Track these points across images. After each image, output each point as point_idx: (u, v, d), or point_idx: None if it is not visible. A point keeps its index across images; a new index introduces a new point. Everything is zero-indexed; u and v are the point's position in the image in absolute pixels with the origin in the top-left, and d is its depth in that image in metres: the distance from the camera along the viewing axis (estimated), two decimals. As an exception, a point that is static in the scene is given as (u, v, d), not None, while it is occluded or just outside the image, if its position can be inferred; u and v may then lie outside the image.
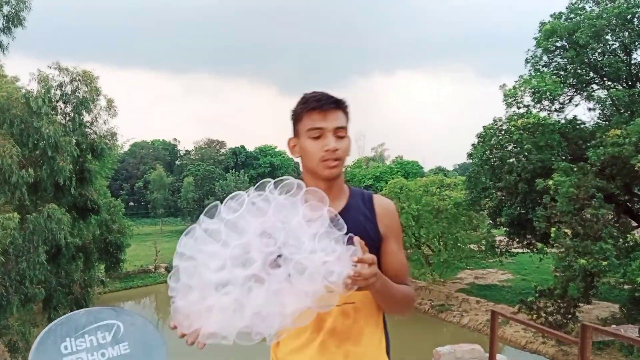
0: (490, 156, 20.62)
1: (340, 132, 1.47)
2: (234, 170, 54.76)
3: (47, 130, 13.42)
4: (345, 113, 1.50)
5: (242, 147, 60.82)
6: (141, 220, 55.99)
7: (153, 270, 33.70)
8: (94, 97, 17.61)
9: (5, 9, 12.46)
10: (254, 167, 58.04)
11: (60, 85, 16.90)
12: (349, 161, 45.64)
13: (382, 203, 1.57)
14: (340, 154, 1.47)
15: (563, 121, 20.08)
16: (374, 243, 1.48)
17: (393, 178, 29.74)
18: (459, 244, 24.96)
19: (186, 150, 68.90)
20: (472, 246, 25.35)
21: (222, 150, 65.83)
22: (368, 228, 1.50)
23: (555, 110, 20.23)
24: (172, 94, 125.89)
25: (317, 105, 1.45)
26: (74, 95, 17.13)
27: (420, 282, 26.22)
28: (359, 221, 1.50)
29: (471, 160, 22.32)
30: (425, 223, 25.03)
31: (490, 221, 23.44)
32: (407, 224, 24.67)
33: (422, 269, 25.30)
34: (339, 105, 1.48)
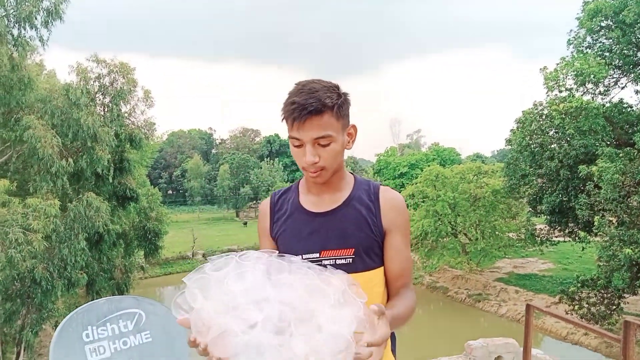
0: (530, 142, 19.97)
1: (321, 141, 1.34)
2: (268, 159, 55.13)
3: (86, 121, 13.80)
4: (335, 113, 1.34)
5: (277, 135, 61.13)
6: (179, 208, 57.35)
7: (191, 256, 34.51)
8: (131, 88, 18.03)
9: (45, 3, 12.77)
10: (288, 156, 58.13)
11: (99, 77, 17.37)
12: (382, 149, 45.07)
13: (388, 196, 1.46)
14: (321, 164, 1.36)
15: (608, 105, 19.18)
16: (376, 237, 1.41)
17: (429, 165, 29.23)
18: (497, 233, 24.39)
19: (222, 139, 69.92)
20: (510, 235, 24.74)
21: (257, 139, 66.44)
22: (370, 221, 1.42)
23: (600, 93, 19.32)
24: (207, 82, 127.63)
25: (295, 117, 1.32)
26: (112, 87, 17.58)
27: (456, 271, 25.82)
28: (360, 214, 1.42)
29: (510, 147, 21.70)
30: (461, 211, 24.54)
31: (530, 209, 22.78)
32: (443, 212, 24.25)
33: (459, 258, 24.87)
34: (321, 111, 1.31)
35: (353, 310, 1.15)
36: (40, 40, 12.78)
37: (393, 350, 1.50)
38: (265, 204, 1.56)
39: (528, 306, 4.27)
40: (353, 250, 1.39)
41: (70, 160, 13.21)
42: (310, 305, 1.15)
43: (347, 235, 1.40)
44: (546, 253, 24.77)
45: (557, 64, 18.66)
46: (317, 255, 1.40)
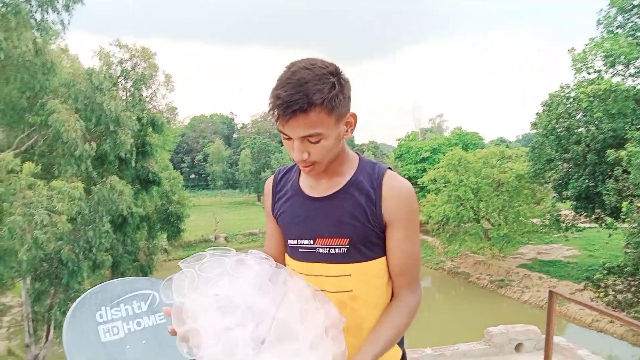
0: (557, 126, 19.47)
1: (310, 139, 1.22)
2: (289, 143, 55.14)
3: (109, 106, 13.96)
4: (326, 108, 1.19)
5: (298, 119, 60.97)
6: (201, 192, 58.04)
7: (213, 239, 34.99)
8: (152, 73, 18.16)
9: (67, -13, 12.85)
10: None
11: (121, 62, 17.54)
12: (403, 134, 44.58)
13: (392, 183, 1.29)
14: (312, 159, 1.25)
15: (639, 87, 18.51)
16: (373, 227, 1.28)
17: (451, 150, 28.80)
18: (520, 218, 23.99)
19: (243, 124, 70.23)
20: (535, 220, 24.32)
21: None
22: (368, 210, 1.28)
23: (630, 75, 18.61)
24: (227, 66, 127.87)
25: (279, 113, 1.19)
26: (134, 71, 17.73)
27: (478, 257, 25.56)
28: (357, 202, 1.29)
29: (535, 131, 21.22)
30: (484, 196, 24.18)
31: (556, 194, 22.32)
32: (466, 196, 23.94)
33: (481, 243, 24.59)
34: (307, 109, 1.17)
35: (333, 350, 1.14)
36: (61, 24, 12.90)
37: (401, 344, 1.40)
38: (268, 183, 1.49)
39: (551, 293, 4.16)
40: (348, 240, 1.29)
41: (94, 144, 13.41)
42: (296, 328, 1.14)
43: (342, 224, 1.29)
44: (571, 239, 24.32)
45: (586, 45, 18.05)
46: (312, 242, 1.33)
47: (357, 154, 1.40)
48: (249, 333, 1.13)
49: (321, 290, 1.27)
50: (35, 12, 12.44)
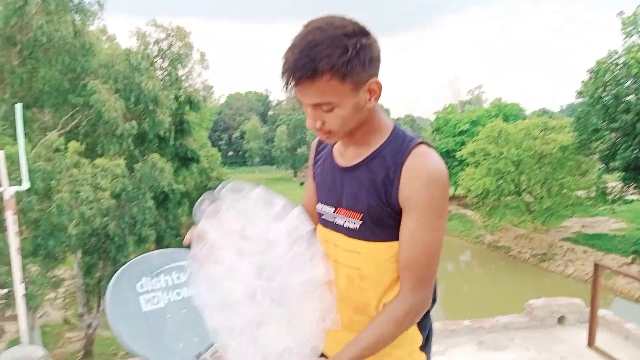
0: (604, 94, 18.60)
1: (322, 107, 1.11)
2: (324, 119, 55.09)
3: (147, 85, 14.24)
4: (338, 74, 1.06)
5: (333, 94, 60.68)
6: (239, 168, 58.96)
7: (251, 216, 35.64)
8: (188, 51, 18.37)
9: (103, -32, 13.06)
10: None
11: (157, 42, 17.80)
12: (440, 106, 43.57)
13: (414, 164, 1.14)
14: (327, 128, 1.15)
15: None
16: (386, 209, 1.16)
17: (491, 122, 27.99)
18: (564, 191, 23.25)
19: (278, 101, 70.36)
20: (579, 193, 23.52)
21: (314, 99, 66.28)
22: (383, 189, 1.16)
23: (687, 37, 17.49)
24: (260, 44, 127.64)
25: (285, 79, 1.09)
26: (170, 51, 17.98)
27: (519, 230, 25.03)
28: (375, 178, 1.17)
29: (581, 99, 20.36)
30: (526, 168, 23.50)
31: (602, 165, 21.45)
32: (506, 169, 23.35)
33: (522, 217, 24.04)
34: (313, 76, 1.06)
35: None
36: (98, 5, 13.15)
37: (423, 326, 1.28)
38: (313, 143, 1.43)
39: (596, 265, 4.01)
40: (361, 215, 1.20)
41: (134, 122, 13.76)
42: (293, 304, 1.14)
43: (358, 198, 1.20)
44: (618, 212, 23.46)
45: (638, 7, 16.99)
46: (333, 210, 1.27)
47: (395, 124, 1.24)
48: (255, 264, 1.13)
49: (335, 261, 1.25)
50: (73, -6, 12.71)
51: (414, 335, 1.27)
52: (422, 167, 1.13)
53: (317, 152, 1.40)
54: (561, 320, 4.63)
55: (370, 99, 1.15)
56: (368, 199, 1.18)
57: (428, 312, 1.27)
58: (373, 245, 1.20)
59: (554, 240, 23.35)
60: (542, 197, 23.39)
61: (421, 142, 1.18)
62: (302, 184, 47.86)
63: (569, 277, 20.53)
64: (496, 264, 24.56)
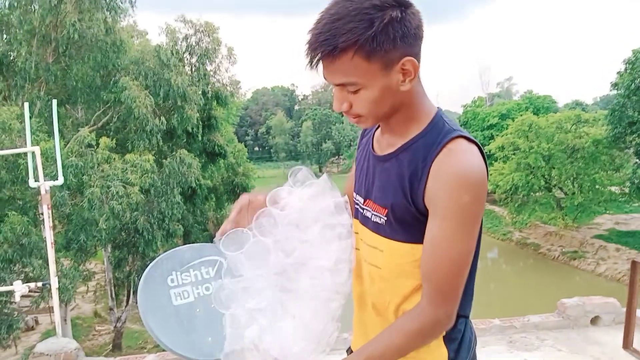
0: (641, 85, 17.96)
1: (347, 87, 1.02)
2: (350, 113, 55.02)
3: (176, 81, 14.44)
4: (361, 51, 0.96)
5: (358, 89, 60.52)
6: (265, 164, 59.34)
7: (277, 210, 35.86)
8: (216, 47, 18.52)
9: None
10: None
11: (186, 38, 18.00)
12: (468, 99, 42.82)
13: (445, 160, 1.01)
14: (355, 112, 1.05)
15: None
16: (411, 208, 1.04)
17: (521, 115, 27.39)
18: (597, 186, 22.60)
19: (304, 95, 70.49)
20: (613, 188, 22.82)
21: (339, 94, 66.22)
22: (409, 186, 1.04)
23: None
24: (287, 38, 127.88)
25: (309, 57, 1.00)
26: (198, 46, 18.16)
27: (549, 227, 24.48)
28: (403, 173, 1.06)
29: (616, 91, 19.72)
30: (557, 163, 22.93)
31: (638, 160, 20.76)
32: (536, 164, 22.83)
33: (552, 213, 23.49)
34: (332, 53, 0.97)
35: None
36: (130, 3, 13.37)
37: (458, 351, 1.13)
38: (360, 137, 1.34)
39: (634, 262, 3.87)
40: (386, 211, 1.09)
41: (163, 119, 13.98)
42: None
43: (385, 192, 1.10)
44: (655, 208, 22.70)
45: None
46: (363, 201, 1.18)
47: (437, 112, 1.11)
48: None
49: (360, 255, 1.21)
50: (105, -8, 12.97)
51: (437, 351, 1.12)
52: (453, 164, 0.99)
53: (362, 137, 1.30)
54: (595, 320, 4.51)
55: (404, 81, 1.02)
56: (394, 195, 1.08)
57: (457, 324, 1.13)
58: (395, 245, 1.09)
59: (585, 237, 22.75)
60: (573, 193, 22.80)
61: (460, 136, 1.03)
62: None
63: (600, 275, 19.99)
64: (525, 262, 24.09)
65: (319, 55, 0.98)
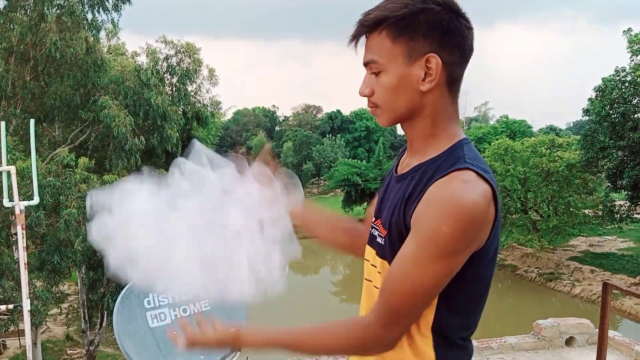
0: (611, 111, 18.59)
1: (372, 67, 1.01)
2: (330, 135, 55.22)
3: (156, 101, 14.41)
4: (388, 30, 0.97)
5: (338, 111, 60.82)
6: (245, 184, 58.99)
7: (257, 231, 35.60)
8: (197, 67, 18.58)
9: (115, -13, 13.33)
10: (350, 132, 57.98)
11: (167, 58, 18.04)
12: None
13: (441, 185, 0.94)
14: (374, 100, 1.04)
15: None
16: (402, 230, 1.00)
17: (497, 139, 28.00)
18: (571, 209, 23.07)
19: (285, 117, 70.75)
20: (586, 211, 23.34)
21: (319, 116, 66.58)
22: (404, 207, 1.00)
23: (694, 56, 17.54)
24: (267, 61, 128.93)
25: (352, 33, 1.03)
26: (179, 67, 18.20)
27: (526, 249, 24.82)
28: (405, 194, 1.02)
29: (587, 117, 20.34)
30: (532, 186, 23.39)
31: (609, 184, 21.33)
32: (513, 187, 23.24)
33: (529, 235, 23.85)
34: (364, 26, 1.00)
35: None
36: (112, 24, 13.39)
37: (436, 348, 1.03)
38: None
39: (605, 284, 3.98)
40: (386, 232, 1.05)
41: (142, 138, 13.89)
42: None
43: (389, 213, 1.06)
44: (626, 231, 23.26)
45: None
46: (374, 219, 1.14)
47: (462, 140, 1.04)
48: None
49: (364, 276, 1.18)
50: (87, 12, 12.97)
51: None
52: (446, 190, 0.93)
53: (394, 164, 1.25)
54: (570, 341, 4.59)
55: (424, 79, 0.98)
56: (394, 215, 1.03)
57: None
58: (387, 266, 1.05)
59: (561, 259, 23.12)
60: (549, 216, 23.23)
61: (470, 168, 0.95)
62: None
63: (575, 297, 20.28)
64: (502, 283, 24.31)
65: (357, 27, 1.01)
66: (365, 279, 1.16)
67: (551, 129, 46.57)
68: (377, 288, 1.06)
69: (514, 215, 24.71)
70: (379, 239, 1.09)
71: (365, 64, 1.03)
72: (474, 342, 4.49)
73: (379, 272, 1.08)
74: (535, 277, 22.89)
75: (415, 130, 1.06)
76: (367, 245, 1.17)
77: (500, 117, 45.21)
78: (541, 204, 24.04)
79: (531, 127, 40.12)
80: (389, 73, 0.99)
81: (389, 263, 1.03)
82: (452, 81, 1.01)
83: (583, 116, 21.18)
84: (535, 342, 4.48)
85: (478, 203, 0.92)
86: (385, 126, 1.11)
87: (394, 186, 1.10)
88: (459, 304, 1.01)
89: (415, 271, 0.94)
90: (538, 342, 4.48)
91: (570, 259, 23.07)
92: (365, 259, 1.16)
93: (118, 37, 16.22)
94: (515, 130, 36.36)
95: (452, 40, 0.98)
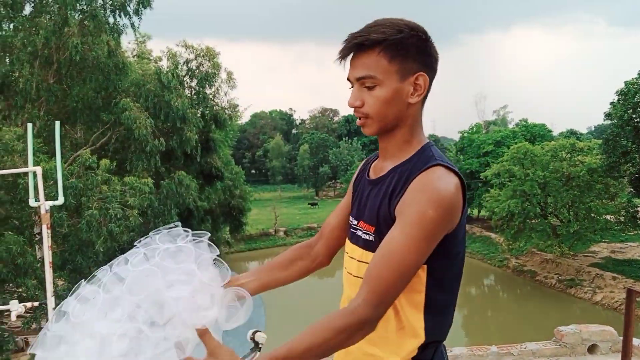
0: (634, 115, 18.25)
1: (365, 82, 1.14)
2: (347, 138, 55.21)
3: (176, 104, 14.59)
4: (386, 50, 1.11)
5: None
6: (262, 187, 59.32)
7: (273, 233, 35.69)
8: (216, 71, 18.78)
9: (137, -8, 13.55)
10: (366, 135, 58.10)
11: (187, 62, 18.26)
12: (466, 126, 43.23)
13: (422, 178, 1.10)
14: (365, 110, 1.16)
15: None
16: (391, 224, 1.11)
17: (516, 143, 27.63)
18: (592, 215, 22.66)
19: (301, 120, 70.99)
20: (608, 217, 22.90)
21: (336, 119, 66.69)
22: (391, 202, 1.14)
23: None
24: (283, 64, 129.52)
25: (340, 52, 1.15)
26: (199, 70, 18.41)
27: (546, 255, 24.45)
28: (387, 191, 1.16)
29: (609, 121, 19.96)
30: (553, 191, 23.03)
31: (632, 189, 20.91)
32: (532, 191, 22.92)
33: (549, 241, 23.47)
34: (363, 45, 1.12)
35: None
36: (132, 28, 13.61)
37: (425, 346, 1.16)
38: (361, 164, 1.43)
39: (630, 291, 3.90)
40: (374, 228, 1.18)
41: (162, 140, 14.07)
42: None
43: (374, 211, 1.19)
44: (650, 237, 22.74)
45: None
46: (356, 222, 1.27)
47: (429, 143, 1.22)
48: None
49: (349, 273, 1.25)
50: (109, 16, 13.20)
51: None
52: (427, 181, 1.09)
53: (360, 172, 1.40)
54: (592, 348, 4.51)
55: (413, 94, 1.15)
56: (379, 212, 1.17)
57: (426, 350, 1.17)
58: None
59: (581, 265, 22.70)
60: (569, 221, 22.84)
61: (441, 164, 1.13)
62: (312, 204, 46.91)
63: (597, 304, 19.88)
64: (521, 289, 23.98)
65: (352, 45, 1.13)
66: (351, 274, 1.26)
67: (572, 133, 45.83)
68: (361, 278, 1.15)
69: (534, 220, 24.37)
70: (365, 236, 1.21)
71: (359, 79, 1.15)
72: (494, 348, 4.44)
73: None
74: (555, 284, 22.52)
75: (393, 139, 1.21)
76: (351, 244, 1.28)
77: (520, 120, 44.62)
78: (561, 209, 23.66)
79: (551, 131, 39.49)
80: (384, 87, 1.14)
81: None
82: (427, 94, 1.19)
83: (605, 120, 20.80)
84: (556, 349, 4.41)
85: (453, 192, 1.09)
86: (370, 135, 1.23)
87: (371, 188, 1.25)
88: (444, 277, 1.16)
89: (403, 252, 1.06)
90: (559, 349, 4.41)
91: (591, 265, 22.64)
92: (350, 257, 1.27)
93: (144, 43, 16.51)
94: (535, 134, 35.84)
95: (432, 62, 1.18)
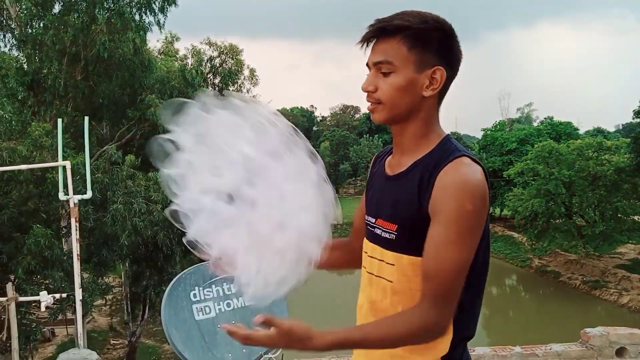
0: (665, 114, 17.72)
1: (382, 68, 1.13)
2: (367, 135, 55.00)
3: (199, 100, 14.77)
4: (407, 39, 1.11)
5: (377, 112, 60.80)
6: (283, 183, 59.59)
7: (293, 230, 35.86)
8: (239, 68, 18.93)
9: (162, -10, 13.74)
10: (388, 132, 57.56)
11: (210, 59, 18.45)
12: (489, 124, 42.57)
13: (449, 171, 1.08)
14: (377, 96, 1.15)
15: None
16: (419, 220, 1.11)
17: (541, 141, 27.13)
18: (619, 215, 22.13)
19: (322, 117, 70.99)
20: (636, 218, 22.34)
21: (357, 116, 66.50)
22: (417, 199, 1.12)
23: None
24: (304, 62, 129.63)
25: (364, 34, 1.15)
26: (222, 67, 18.57)
27: (570, 255, 23.99)
28: (413, 187, 1.13)
29: (638, 119, 19.46)
30: (578, 190, 22.57)
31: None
32: (557, 191, 22.51)
33: (573, 241, 23.03)
34: (385, 31, 1.12)
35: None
36: (158, 25, 13.80)
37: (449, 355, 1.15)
38: (373, 158, 1.43)
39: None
40: (396, 226, 1.16)
41: (186, 136, 14.25)
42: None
43: (395, 208, 1.17)
44: (679, 239, 22.11)
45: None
46: (374, 220, 1.25)
47: (447, 136, 1.20)
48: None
49: (370, 272, 1.25)
50: (135, 14, 13.42)
51: None
52: (456, 175, 1.07)
53: (374, 166, 1.38)
54: (621, 352, 4.40)
55: (428, 87, 1.14)
56: (403, 209, 1.15)
57: (458, 346, 1.17)
58: (406, 259, 1.14)
59: (607, 267, 22.22)
60: (595, 221, 22.35)
61: (465, 155, 1.12)
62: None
63: (623, 306, 19.45)
64: (544, 290, 23.59)
65: (376, 29, 1.13)
66: (370, 273, 1.25)
67: (598, 132, 44.78)
68: (390, 281, 1.17)
69: (558, 220, 23.93)
70: (385, 235, 1.19)
71: (376, 63, 1.14)
72: (518, 348, 4.38)
73: (393, 265, 1.17)
74: (580, 285, 22.10)
75: (407, 132, 1.19)
76: (369, 243, 1.27)
77: (545, 118, 43.77)
78: (587, 209, 23.18)
79: (578, 129, 38.64)
80: (400, 75, 1.12)
81: (406, 254, 1.14)
82: (444, 92, 1.18)
83: (634, 118, 20.31)
84: (582, 351, 4.33)
85: (483, 181, 1.09)
86: (379, 122, 1.20)
87: (390, 185, 1.22)
88: (470, 270, 1.11)
89: (455, 251, 1.06)
90: (586, 351, 4.32)
91: (617, 266, 22.14)
92: (371, 257, 1.26)
93: (172, 44, 16.74)
94: (561, 132, 35.12)
95: (454, 60, 1.16)
